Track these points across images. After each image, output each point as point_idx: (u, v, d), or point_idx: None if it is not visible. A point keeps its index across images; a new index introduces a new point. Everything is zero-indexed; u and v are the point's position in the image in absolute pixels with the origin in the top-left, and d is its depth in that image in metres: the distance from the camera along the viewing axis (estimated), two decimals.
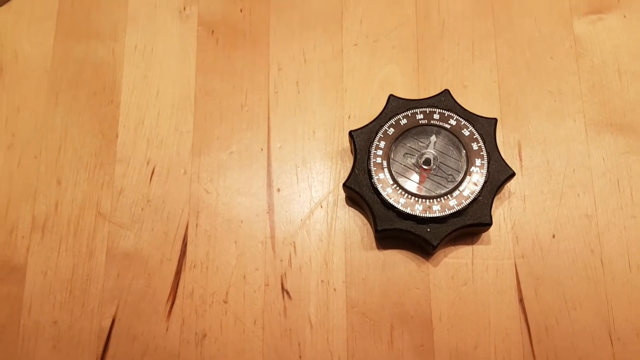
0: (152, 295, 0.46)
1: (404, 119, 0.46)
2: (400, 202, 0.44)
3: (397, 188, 0.44)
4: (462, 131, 0.46)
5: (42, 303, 0.46)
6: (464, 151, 0.45)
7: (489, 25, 0.52)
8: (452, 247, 0.47)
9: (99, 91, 0.51)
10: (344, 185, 0.46)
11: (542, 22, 0.52)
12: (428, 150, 0.45)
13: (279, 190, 0.48)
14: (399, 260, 0.46)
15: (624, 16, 0.52)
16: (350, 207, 0.48)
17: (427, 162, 0.45)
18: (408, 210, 0.44)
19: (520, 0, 0.52)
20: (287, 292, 0.46)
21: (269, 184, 0.49)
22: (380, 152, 0.45)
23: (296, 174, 0.49)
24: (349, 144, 0.48)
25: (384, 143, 0.45)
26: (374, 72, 0.51)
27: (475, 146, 0.45)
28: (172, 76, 0.51)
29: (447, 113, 0.46)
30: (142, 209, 0.48)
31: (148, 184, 0.49)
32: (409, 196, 0.44)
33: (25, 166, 0.49)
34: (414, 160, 0.45)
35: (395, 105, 0.47)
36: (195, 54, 0.52)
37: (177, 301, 0.46)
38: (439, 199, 0.44)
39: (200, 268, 0.47)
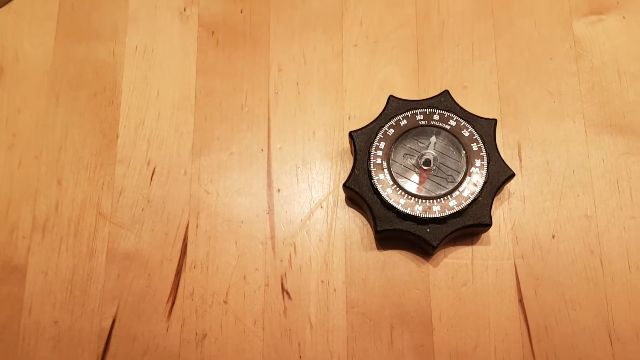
0: (153, 295, 0.46)
1: (404, 120, 0.46)
2: (400, 202, 0.44)
3: (397, 189, 0.44)
4: (462, 132, 0.46)
5: (43, 303, 0.46)
6: (464, 152, 0.45)
7: (489, 26, 0.52)
8: (452, 248, 0.47)
9: (99, 92, 0.51)
10: (344, 185, 0.46)
11: (542, 23, 0.52)
12: (428, 150, 0.45)
13: (279, 190, 0.48)
14: (399, 260, 0.46)
15: (624, 17, 0.52)
16: (350, 208, 0.48)
17: (427, 162, 0.45)
18: (408, 211, 0.44)
19: (520, 1, 0.52)
20: (287, 293, 0.46)
21: (269, 185, 0.49)
22: (380, 153, 0.45)
23: (296, 174, 0.49)
24: (349, 145, 0.49)
25: (384, 144, 0.46)
26: (373, 72, 0.51)
27: (475, 147, 0.45)
28: (173, 77, 0.51)
29: (447, 114, 0.46)
30: (143, 210, 0.48)
31: (148, 184, 0.49)
32: (409, 197, 0.44)
33: (26, 166, 0.49)
34: (413, 161, 0.45)
35: (395, 106, 0.47)
36: (195, 55, 0.52)
37: (178, 301, 0.46)
38: (438, 200, 0.44)
39: (201, 268, 0.47)
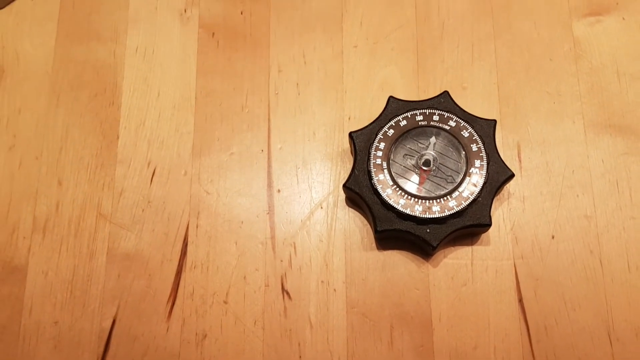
0: (153, 295, 0.46)
1: (404, 120, 0.46)
2: (400, 203, 0.44)
3: (397, 189, 0.44)
4: (462, 132, 0.46)
5: (43, 303, 0.46)
6: (464, 152, 0.45)
7: (489, 27, 0.52)
8: (452, 248, 0.47)
9: (100, 93, 0.51)
10: (344, 186, 0.46)
11: (541, 24, 0.52)
12: (428, 151, 0.46)
13: (279, 191, 0.49)
14: (399, 260, 0.47)
15: (623, 18, 0.52)
16: (350, 208, 0.48)
17: (427, 163, 0.45)
18: (408, 211, 0.44)
19: (519, 2, 0.53)
20: (287, 293, 0.46)
21: (269, 185, 0.49)
22: (380, 153, 0.45)
23: (296, 175, 0.49)
24: (349, 145, 0.49)
25: (384, 144, 0.46)
26: (373, 73, 0.51)
27: (474, 147, 0.45)
28: (173, 78, 0.51)
29: (446, 114, 0.46)
30: (143, 210, 0.48)
31: (149, 185, 0.49)
32: (409, 197, 0.44)
33: (27, 167, 0.49)
34: (413, 162, 0.45)
35: (395, 106, 0.47)
36: (195, 56, 0.52)
37: (178, 301, 0.46)
38: (438, 200, 0.44)
39: (201, 268, 0.47)
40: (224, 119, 0.50)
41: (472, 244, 0.47)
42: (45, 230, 0.48)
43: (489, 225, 0.44)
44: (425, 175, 0.45)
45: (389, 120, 0.46)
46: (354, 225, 0.47)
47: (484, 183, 0.44)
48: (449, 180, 0.45)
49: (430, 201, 0.44)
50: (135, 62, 0.52)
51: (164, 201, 0.48)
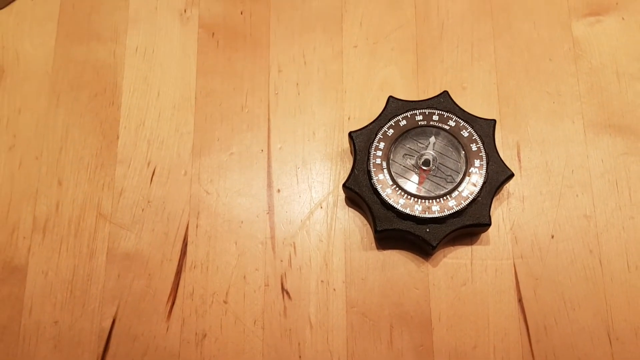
0: (153, 295, 0.46)
1: (404, 120, 0.46)
2: (399, 202, 0.44)
3: (397, 189, 0.44)
4: (461, 132, 0.46)
5: (43, 303, 0.46)
6: (463, 152, 0.45)
7: (488, 27, 0.52)
8: (452, 248, 0.47)
9: (100, 92, 0.51)
10: (344, 185, 0.46)
11: (541, 24, 0.52)
12: (427, 151, 0.46)
13: (279, 191, 0.49)
14: (399, 260, 0.47)
15: (623, 18, 0.52)
16: (350, 208, 0.48)
17: (427, 163, 0.45)
18: (407, 211, 0.44)
19: (519, 2, 0.53)
20: (287, 292, 0.46)
21: (269, 185, 0.49)
22: (379, 153, 0.45)
23: (296, 174, 0.49)
24: (348, 145, 0.49)
25: (384, 144, 0.46)
26: (373, 73, 0.51)
27: (474, 147, 0.45)
28: (173, 78, 0.52)
29: (446, 114, 0.46)
30: (143, 210, 0.48)
31: (149, 184, 0.49)
32: (409, 197, 0.44)
33: (27, 167, 0.49)
34: (413, 161, 0.45)
35: (394, 106, 0.47)
36: (195, 56, 0.52)
37: (178, 301, 0.46)
38: (438, 200, 0.44)
39: (201, 268, 0.47)
40: (224, 119, 0.50)
41: (471, 243, 0.47)
42: (45, 230, 0.48)
43: (489, 225, 0.44)
44: (424, 175, 0.45)
45: (389, 120, 0.46)
46: (353, 225, 0.47)
47: (484, 183, 0.44)
48: (448, 180, 0.45)
49: (430, 201, 0.44)
50: (135, 62, 0.52)
51: (164, 201, 0.48)
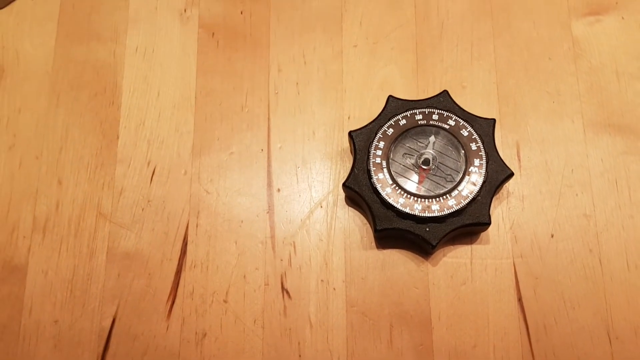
0: (153, 294, 0.46)
1: (403, 120, 0.46)
2: (399, 201, 0.44)
3: (397, 188, 0.44)
4: (461, 131, 0.46)
5: (43, 303, 0.46)
6: (463, 151, 0.45)
7: (488, 26, 0.52)
8: (451, 247, 0.47)
9: (100, 92, 0.51)
10: (344, 185, 0.46)
11: (541, 24, 0.52)
12: (427, 150, 0.46)
13: (279, 190, 0.49)
14: (399, 259, 0.47)
15: (622, 18, 0.52)
16: (349, 207, 0.48)
17: (426, 162, 0.45)
18: (407, 210, 0.44)
19: (518, 1, 0.53)
20: (287, 292, 0.46)
21: (269, 184, 0.49)
22: (379, 153, 0.45)
23: (296, 174, 0.49)
24: (348, 144, 0.49)
25: (384, 143, 0.46)
26: (373, 73, 0.51)
27: (474, 146, 0.45)
28: (173, 77, 0.52)
29: (446, 113, 0.46)
30: (143, 209, 0.48)
31: (149, 184, 0.49)
32: (408, 196, 0.44)
33: (27, 166, 0.49)
34: (413, 161, 0.45)
35: (394, 105, 0.47)
36: (195, 56, 0.52)
37: (178, 301, 0.46)
38: (438, 199, 0.44)
39: (201, 268, 0.47)
40: (224, 119, 0.50)
41: (471, 242, 0.47)
42: (45, 229, 0.48)
43: (488, 224, 0.44)
44: (424, 174, 0.45)
45: (389, 120, 0.46)
46: (353, 224, 0.47)
47: (483, 182, 0.44)
48: (448, 179, 0.45)
49: (430, 200, 0.44)
50: (135, 62, 0.52)
51: (164, 200, 0.48)
